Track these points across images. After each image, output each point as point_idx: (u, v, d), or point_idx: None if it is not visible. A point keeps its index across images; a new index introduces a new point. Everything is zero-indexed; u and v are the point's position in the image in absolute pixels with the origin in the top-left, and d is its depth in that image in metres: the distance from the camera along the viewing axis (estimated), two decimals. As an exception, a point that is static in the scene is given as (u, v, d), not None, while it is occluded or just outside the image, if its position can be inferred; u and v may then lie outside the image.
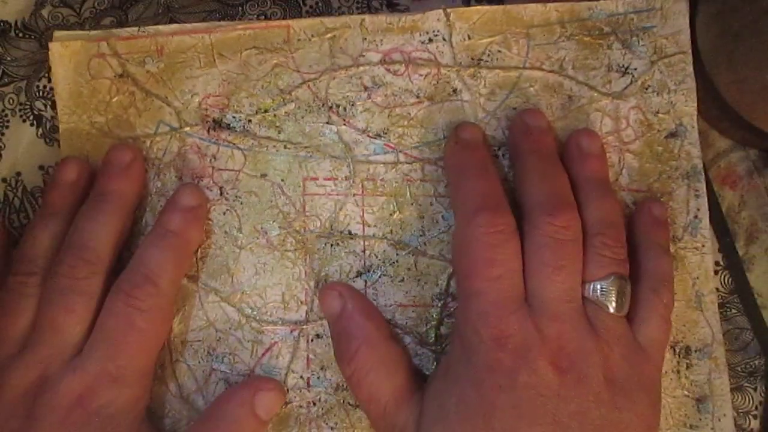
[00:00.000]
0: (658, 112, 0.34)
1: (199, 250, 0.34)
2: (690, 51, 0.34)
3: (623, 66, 0.34)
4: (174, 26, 0.35)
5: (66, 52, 0.35)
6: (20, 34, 0.37)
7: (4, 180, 0.37)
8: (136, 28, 0.35)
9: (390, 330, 0.33)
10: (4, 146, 0.37)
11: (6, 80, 0.37)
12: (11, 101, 0.37)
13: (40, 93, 0.37)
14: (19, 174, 0.37)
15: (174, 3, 0.37)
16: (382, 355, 0.31)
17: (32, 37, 0.34)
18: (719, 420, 0.33)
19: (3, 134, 0.37)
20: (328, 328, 0.33)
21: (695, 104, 0.34)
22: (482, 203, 0.30)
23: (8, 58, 0.37)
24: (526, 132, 0.32)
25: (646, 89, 0.34)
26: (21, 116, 0.37)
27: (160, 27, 0.35)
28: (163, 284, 0.31)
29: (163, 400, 0.33)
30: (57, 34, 0.35)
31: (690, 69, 0.34)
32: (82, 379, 0.29)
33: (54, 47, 0.35)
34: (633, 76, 0.34)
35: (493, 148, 0.34)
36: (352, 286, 0.33)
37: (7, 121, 0.37)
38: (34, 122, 0.37)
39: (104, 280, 0.31)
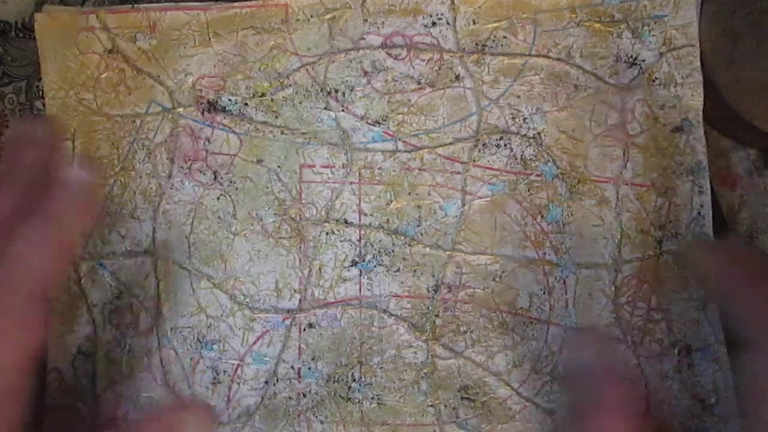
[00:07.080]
0: (664, 106, 0.33)
1: (192, 235, 0.33)
2: (698, 44, 0.33)
3: (632, 57, 0.33)
4: (167, 4, 0.34)
5: (53, 24, 0.34)
6: (20, 34, 0.37)
7: (3, 180, 0.36)
8: (129, 6, 0.34)
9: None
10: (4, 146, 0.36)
11: (6, 80, 0.37)
12: (11, 101, 0.37)
13: (40, 93, 0.36)
14: None
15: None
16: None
17: (32, 37, 0.34)
18: (725, 423, 0.32)
19: (3, 134, 0.36)
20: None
21: (701, 99, 0.33)
22: None
23: (8, 58, 0.37)
24: None
25: (653, 81, 0.33)
26: (21, 116, 0.37)
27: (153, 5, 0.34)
28: None
29: (148, 388, 0.33)
30: (45, 7, 0.34)
31: (697, 63, 0.33)
32: None
33: (40, 18, 0.34)
34: (641, 67, 0.33)
35: (494, 137, 0.33)
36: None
37: (7, 121, 0.37)
38: (33, 122, 0.37)
39: None
